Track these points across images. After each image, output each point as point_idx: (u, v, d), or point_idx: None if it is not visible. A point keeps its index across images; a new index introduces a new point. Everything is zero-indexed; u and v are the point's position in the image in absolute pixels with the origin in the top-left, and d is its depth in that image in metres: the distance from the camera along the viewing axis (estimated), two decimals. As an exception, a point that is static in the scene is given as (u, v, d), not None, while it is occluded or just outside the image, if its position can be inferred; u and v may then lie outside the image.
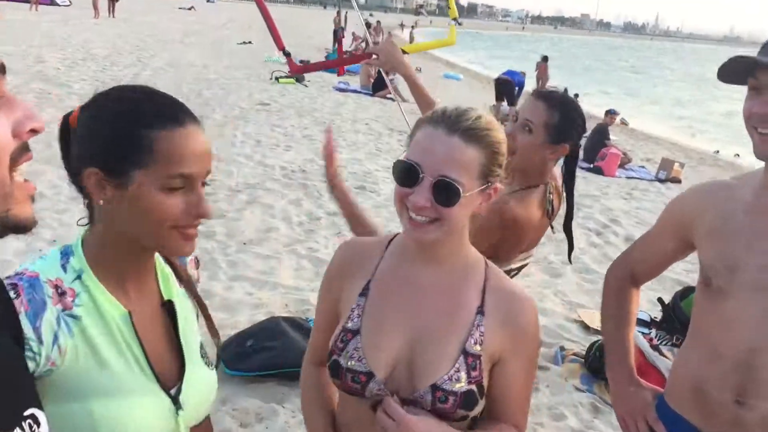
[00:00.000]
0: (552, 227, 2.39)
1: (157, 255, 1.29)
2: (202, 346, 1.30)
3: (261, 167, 8.24)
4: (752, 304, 1.63)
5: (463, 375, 1.34)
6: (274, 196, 7.14)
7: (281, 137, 10.07)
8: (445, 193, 1.29)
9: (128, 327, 1.17)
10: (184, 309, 1.31)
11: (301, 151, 9.38)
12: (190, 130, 1.14)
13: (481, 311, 1.39)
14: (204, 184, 1.17)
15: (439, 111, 1.36)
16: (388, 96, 16.60)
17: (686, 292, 4.76)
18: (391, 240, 1.51)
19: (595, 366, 4.21)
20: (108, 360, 1.14)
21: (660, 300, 4.83)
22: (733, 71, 1.62)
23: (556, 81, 24.01)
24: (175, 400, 1.19)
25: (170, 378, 1.21)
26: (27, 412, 0.81)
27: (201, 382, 1.25)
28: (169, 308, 1.26)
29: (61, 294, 1.13)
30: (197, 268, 1.39)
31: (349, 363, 1.38)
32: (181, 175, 1.12)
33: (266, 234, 6.04)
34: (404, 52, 2.64)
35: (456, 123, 1.31)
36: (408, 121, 2.21)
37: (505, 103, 15.05)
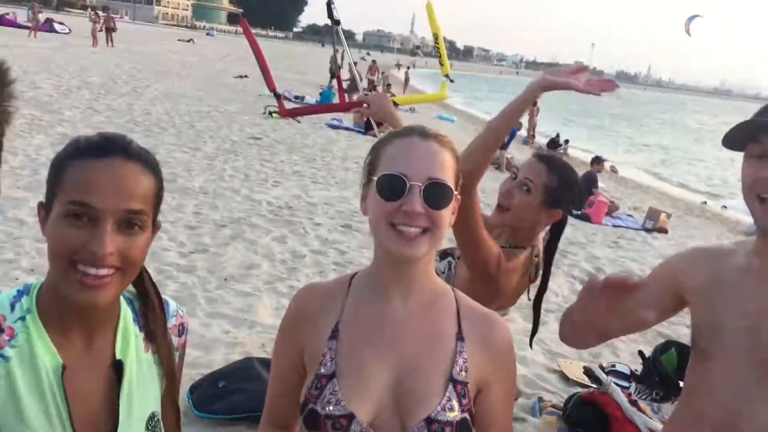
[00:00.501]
0: (528, 291, 2.36)
1: (125, 313, 1.23)
2: (153, 417, 1.21)
3: (248, 202, 8.21)
4: (733, 367, 1.60)
5: (455, 404, 1.30)
6: (258, 232, 7.09)
7: (270, 172, 10.06)
8: (437, 194, 1.29)
9: (58, 381, 1.11)
10: (141, 374, 1.22)
11: (289, 187, 9.37)
12: (107, 163, 1.09)
13: (460, 337, 1.36)
14: (132, 224, 1.10)
15: (401, 128, 1.39)
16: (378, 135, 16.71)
17: (666, 346, 4.72)
18: (352, 278, 1.45)
19: (572, 420, 4.15)
20: (28, 415, 1.07)
21: (641, 353, 4.79)
22: (734, 138, 1.62)
23: (545, 126, 24.26)
24: None
25: None
26: None
27: None
28: (117, 368, 1.18)
29: None
30: (180, 335, 1.28)
31: (327, 409, 1.29)
32: (81, 203, 1.07)
33: (248, 270, 5.98)
34: (395, 104, 2.66)
35: (425, 131, 1.35)
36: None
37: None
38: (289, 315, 1.46)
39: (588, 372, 4.31)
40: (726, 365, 1.61)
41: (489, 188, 11.59)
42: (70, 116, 11.47)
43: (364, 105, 2.63)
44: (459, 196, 1.36)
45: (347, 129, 16.60)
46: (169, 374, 1.25)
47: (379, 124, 3.45)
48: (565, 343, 1.88)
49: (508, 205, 2.23)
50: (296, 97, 21.18)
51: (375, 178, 1.33)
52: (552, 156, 2.30)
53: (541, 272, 2.34)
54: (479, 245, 2.08)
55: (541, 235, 2.36)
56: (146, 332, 1.24)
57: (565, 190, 2.23)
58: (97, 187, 1.07)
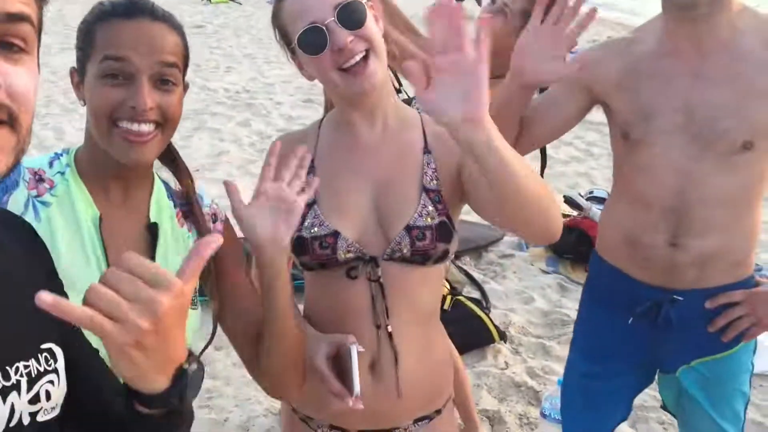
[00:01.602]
0: None
1: (159, 185, 1.26)
2: None
3: (204, 92, 7.97)
4: (672, 148, 1.64)
5: (431, 209, 1.36)
6: (221, 119, 6.94)
7: (221, 59, 9.71)
8: (351, 15, 1.27)
9: (96, 230, 1.15)
10: (177, 243, 1.24)
11: (243, 71, 9.08)
12: (135, 22, 1.11)
13: (427, 150, 1.40)
14: (165, 81, 1.12)
15: None
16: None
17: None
18: (321, 121, 1.49)
19: (557, 246, 4.28)
20: (64, 253, 1.11)
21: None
22: None
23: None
24: None
25: None
26: (44, 346, 0.82)
27: None
28: (151, 231, 1.21)
29: (39, 180, 1.15)
30: (214, 222, 1.28)
31: (312, 231, 1.35)
32: (116, 57, 1.09)
33: (217, 158, 5.91)
34: None
35: None
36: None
37: None
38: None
39: (568, 200, 4.40)
40: (664, 149, 1.64)
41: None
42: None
43: None
44: (371, 3, 1.33)
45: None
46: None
47: None
48: None
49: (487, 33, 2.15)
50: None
51: (295, 43, 1.31)
52: None
53: None
54: None
55: None
56: (181, 210, 1.27)
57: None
58: (131, 42, 1.09)
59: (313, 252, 1.35)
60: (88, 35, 1.13)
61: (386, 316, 1.37)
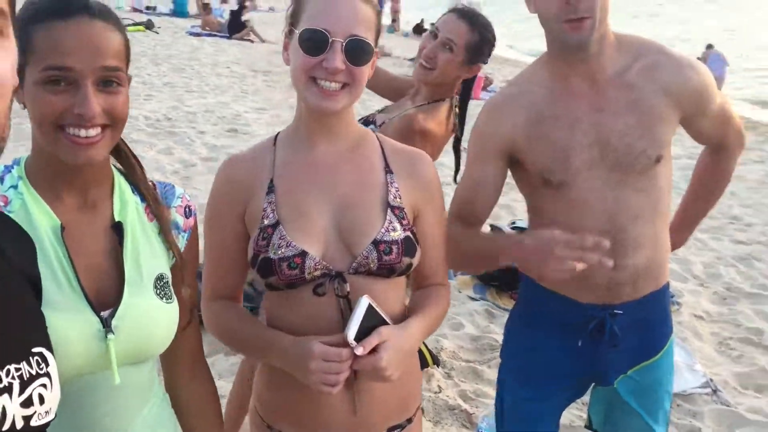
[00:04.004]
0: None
1: (119, 179, 1.23)
2: (162, 278, 1.20)
3: (123, 119, 7.78)
4: (596, 180, 1.75)
5: (397, 225, 1.39)
6: (142, 147, 6.78)
7: (140, 87, 9.52)
8: (358, 51, 1.32)
9: (59, 240, 1.11)
10: (147, 239, 1.22)
11: (163, 99, 8.95)
12: (74, 23, 1.07)
13: (389, 170, 1.44)
14: (109, 82, 1.09)
15: None
16: (246, 38, 16.12)
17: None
18: (276, 138, 1.49)
19: (484, 274, 4.40)
20: None
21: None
22: None
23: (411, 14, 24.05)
24: (107, 324, 1.10)
25: (106, 300, 1.13)
26: (35, 349, 0.82)
27: (144, 311, 1.15)
28: (117, 230, 1.18)
29: None
30: (188, 216, 1.30)
31: (279, 253, 1.35)
32: (58, 67, 1.06)
33: (140, 186, 5.75)
34: None
35: None
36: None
37: None
38: (219, 188, 1.46)
39: (495, 230, 4.56)
40: (590, 181, 1.76)
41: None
42: None
43: None
44: (378, 52, 1.40)
45: (210, 35, 15.87)
46: (171, 243, 1.24)
47: (243, 7, 3.28)
48: (454, 269, 1.94)
49: (432, 65, 2.26)
50: (147, 8, 19.91)
51: (297, 31, 1.34)
52: (471, 12, 2.33)
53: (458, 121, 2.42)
54: None
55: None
56: (147, 204, 1.25)
57: (485, 44, 2.30)
58: (71, 48, 1.05)
59: (281, 273, 1.35)
60: (23, 37, 1.06)
61: None
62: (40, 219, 1.12)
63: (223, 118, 8.17)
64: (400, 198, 1.43)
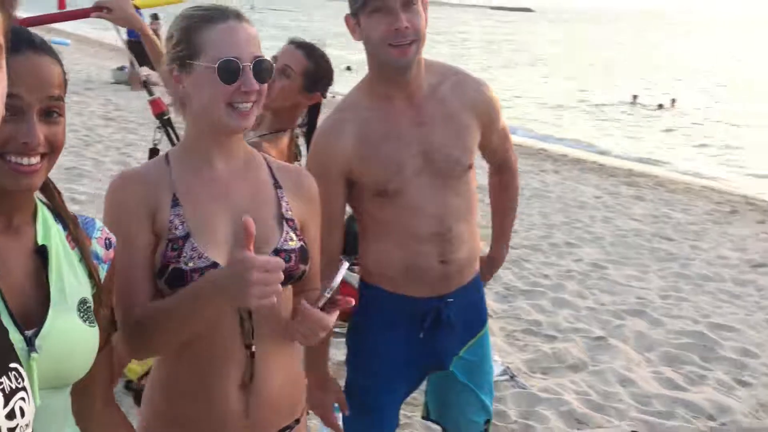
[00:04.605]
0: None
1: (42, 207, 1.22)
2: (85, 302, 1.21)
3: None
4: (424, 187, 2.02)
5: (293, 235, 1.52)
6: None
7: None
8: (264, 70, 1.46)
9: None
10: (70, 264, 1.21)
11: None
12: (23, 57, 1.10)
13: (278, 185, 1.57)
14: (51, 113, 1.13)
15: (207, 8, 1.49)
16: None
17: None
18: (167, 157, 1.55)
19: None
20: None
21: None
22: None
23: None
24: (30, 342, 1.09)
25: (30, 321, 1.12)
26: (11, 365, 0.85)
27: (68, 332, 1.15)
28: (41, 253, 1.17)
29: None
30: (108, 248, 1.27)
31: (191, 264, 1.41)
32: (8, 94, 1.02)
33: None
34: (136, 7, 2.64)
35: (238, 13, 1.49)
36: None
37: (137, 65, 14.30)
38: (121, 204, 1.47)
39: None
40: (419, 188, 2.02)
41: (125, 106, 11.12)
42: None
43: (105, 9, 2.57)
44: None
45: None
46: (93, 269, 1.24)
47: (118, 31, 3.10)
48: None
49: (270, 91, 2.35)
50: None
51: (202, 64, 1.43)
52: (307, 43, 2.47)
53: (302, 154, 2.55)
54: None
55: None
56: (68, 232, 1.24)
57: (322, 73, 2.44)
58: (21, 79, 1.09)
59: (191, 283, 1.40)
60: None
61: (252, 336, 1.47)
62: None
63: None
64: (290, 211, 1.55)
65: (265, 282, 1.28)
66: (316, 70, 2.42)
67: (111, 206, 1.48)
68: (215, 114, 1.45)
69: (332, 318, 1.44)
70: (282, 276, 1.30)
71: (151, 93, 3.17)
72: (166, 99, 2.37)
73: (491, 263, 2.46)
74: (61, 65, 1.20)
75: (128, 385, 3.22)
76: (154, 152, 3.00)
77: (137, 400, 2.81)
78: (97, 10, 2.62)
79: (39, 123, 1.12)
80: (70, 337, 1.16)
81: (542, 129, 15.56)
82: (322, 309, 1.43)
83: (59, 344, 1.13)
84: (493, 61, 29.54)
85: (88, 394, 1.29)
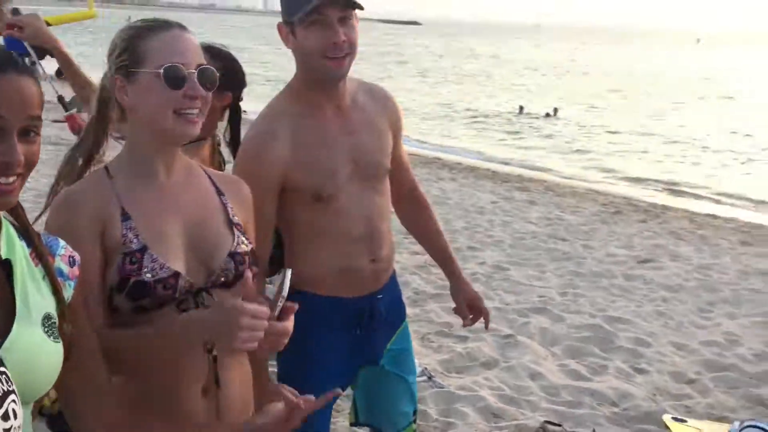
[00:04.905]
0: None
1: (6, 225, 1.21)
2: (49, 317, 1.19)
3: None
4: (355, 190, 2.12)
5: (243, 239, 1.56)
6: None
7: None
8: (208, 78, 1.48)
9: None
10: (34, 280, 1.20)
11: None
12: (5, 78, 1.12)
13: (220, 193, 1.60)
14: (29, 132, 1.14)
15: (151, 20, 1.52)
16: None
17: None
18: (107, 170, 1.52)
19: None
20: None
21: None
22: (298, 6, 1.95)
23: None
24: None
25: None
26: (0, 369, 0.91)
27: (32, 345, 1.13)
28: (5, 267, 1.16)
29: None
30: (72, 265, 1.26)
31: (153, 275, 1.41)
32: None
33: None
34: (48, 24, 2.58)
35: (179, 23, 1.52)
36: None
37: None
38: (70, 223, 1.43)
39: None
40: (350, 192, 2.11)
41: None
42: None
43: (16, 28, 2.48)
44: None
45: None
46: (57, 286, 1.23)
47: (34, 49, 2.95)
48: None
49: None
50: None
51: (147, 71, 1.44)
52: (212, 45, 2.43)
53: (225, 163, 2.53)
54: None
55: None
56: (33, 249, 1.24)
57: (230, 73, 2.37)
58: (4, 100, 1.11)
59: (155, 294, 1.41)
60: None
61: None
62: None
63: None
64: (236, 216, 1.58)
65: (253, 328, 1.33)
66: (225, 71, 2.40)
67: (58, 227, 1.42)
68: (162, 122, 1.45)
69: (291, 324, 1.47)
70: (267, 324, 1.36)
71: (66, 108, 3.05)
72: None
73: (468, 296, 2.52)
74: (40, 86, 1.22)
75: (41, 410, 3.09)
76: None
77: (51, 424, 2.70)
78: (9, 29, 2.53)
79: (19, 143, 1.14)
80: (34, 351, 1.15)
81: (434, 139, 16.05)
82: (279, 318, 1.45)
83: (23, 357, 1.12)
84: (382, 73, 30.01)
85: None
